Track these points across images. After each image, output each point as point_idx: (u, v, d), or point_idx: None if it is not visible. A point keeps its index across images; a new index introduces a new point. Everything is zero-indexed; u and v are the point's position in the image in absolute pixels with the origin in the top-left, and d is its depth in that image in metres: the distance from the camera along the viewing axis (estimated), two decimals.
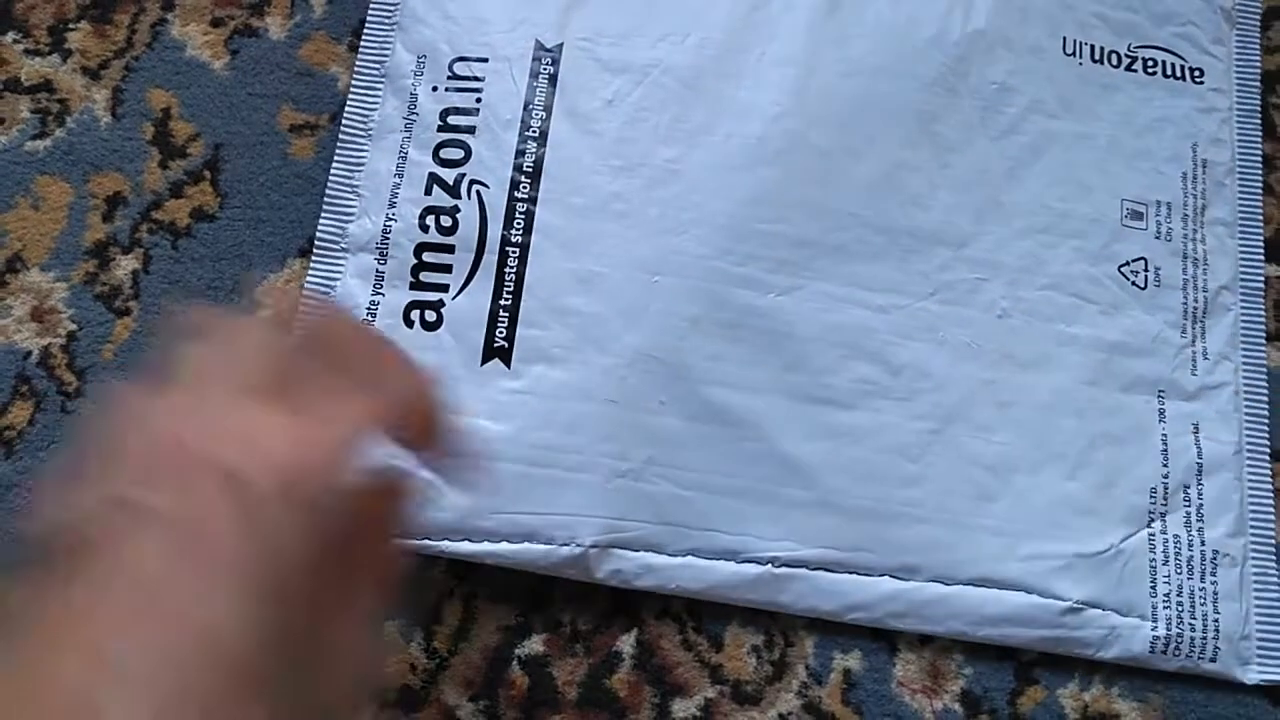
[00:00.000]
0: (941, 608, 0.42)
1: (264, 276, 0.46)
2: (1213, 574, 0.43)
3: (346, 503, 0.26)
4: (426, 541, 0.42)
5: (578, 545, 0.42)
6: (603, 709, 0.42)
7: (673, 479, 0.43)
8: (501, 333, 0.44)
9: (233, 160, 0.47)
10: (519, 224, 0.45)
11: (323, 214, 0.46)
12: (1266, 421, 0.46)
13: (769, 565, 0.42)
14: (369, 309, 0.45)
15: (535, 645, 0.43)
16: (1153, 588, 0.43)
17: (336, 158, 0.47)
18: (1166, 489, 0.44)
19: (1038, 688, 0.43)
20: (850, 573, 0.43)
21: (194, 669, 0.23)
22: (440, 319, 0.44)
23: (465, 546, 0.42)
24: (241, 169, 0.47)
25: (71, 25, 0.49)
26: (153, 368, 0.28)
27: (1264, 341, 0.47)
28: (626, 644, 0.43)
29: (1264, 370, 0.46)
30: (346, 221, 0.46)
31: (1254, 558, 0.44)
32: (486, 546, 0.42)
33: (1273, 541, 0.44)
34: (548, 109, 0.46)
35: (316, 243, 0.46)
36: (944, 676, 0.43)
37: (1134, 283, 0.46)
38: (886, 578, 0.43)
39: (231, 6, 0.49)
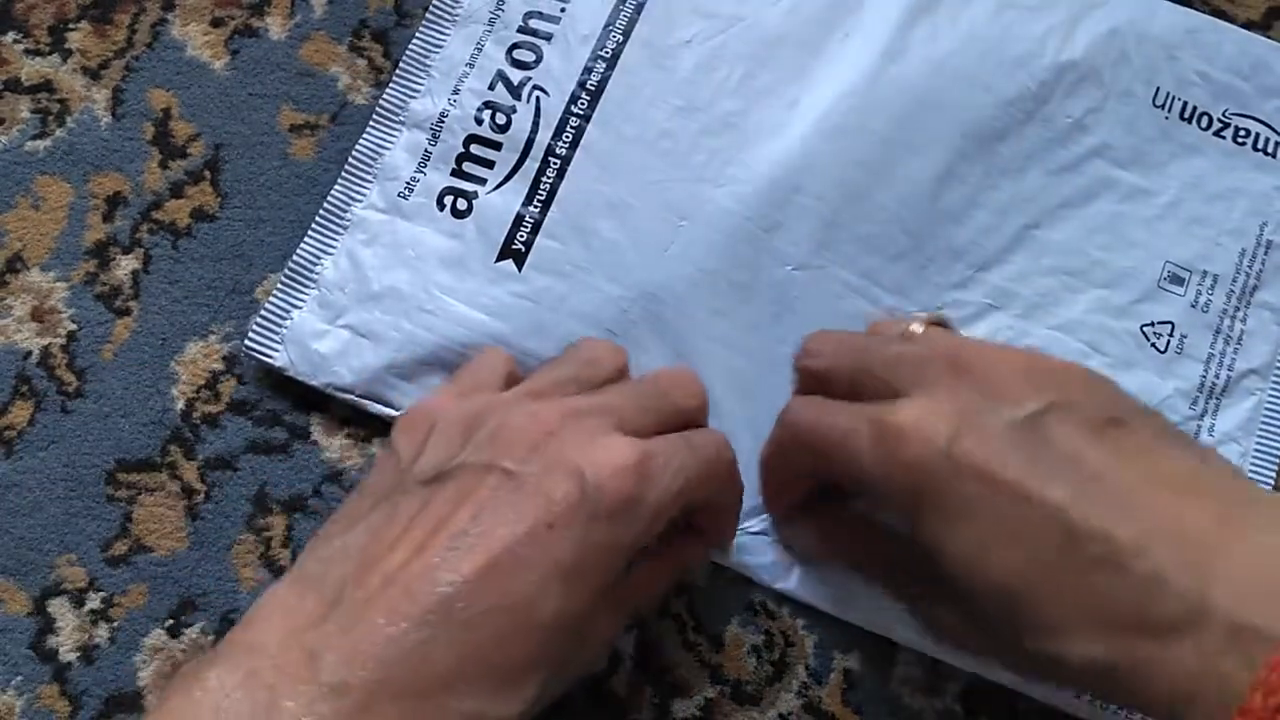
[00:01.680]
0: (844, 605, 0.43)
1: (265, 277, 0.46)
2: None
3: (650, 524, 0.33)
4: (397, 414, 0.44)
5: None
6: (603, 709, 0.42)
7: None
8: (522, 237, 0.45)
9: (233, 160, 0.48)
10: (568, 137, 0.46)
11: (390, 84, 0.47)
12: None
13: None
14: (408, 184, 0.46)
15: None
16: None
17: (418, 35, 0.48)
18: None
19: None
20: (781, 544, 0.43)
21: (505, 622, 0.30)
22: (470, 209, 0.45)
23: None
24: (242, 169, 0.47)
25: (72, 25, 0.49)
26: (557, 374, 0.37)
27: None
28: (626, 644, 0.43)
29: (1275, 461, 0.45)
30: (411, 97, 0.47)
31: None
32: None
33: None
34: (626, 34, 0.47)
35: (378, 109, 0.47)
36: (944, 676, 0.43)
37: (1154, 345, 0.46)
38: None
39: (232, 6, 0.49)
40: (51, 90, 0.48)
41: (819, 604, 0.43)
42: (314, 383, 0.44)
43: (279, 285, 0.45)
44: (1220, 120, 0.48)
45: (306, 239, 0.46)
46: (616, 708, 0.42)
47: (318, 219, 0.46)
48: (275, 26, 0.49)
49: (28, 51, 0.48)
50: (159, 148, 0.48)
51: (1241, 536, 0.29)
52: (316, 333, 0.44)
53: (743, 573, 0.43)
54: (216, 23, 0.49)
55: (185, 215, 0.47)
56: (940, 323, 0.38)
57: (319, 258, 0.45)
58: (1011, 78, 0.47)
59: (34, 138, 0.47)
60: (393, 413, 0.44)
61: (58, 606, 0.43)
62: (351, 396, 0.44)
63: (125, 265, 0.46)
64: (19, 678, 0.42)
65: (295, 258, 0.45)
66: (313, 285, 0.45)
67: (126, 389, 0.45)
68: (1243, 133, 0.48)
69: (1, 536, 0.43)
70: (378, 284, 0.45)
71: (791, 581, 0.43)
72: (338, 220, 0.46)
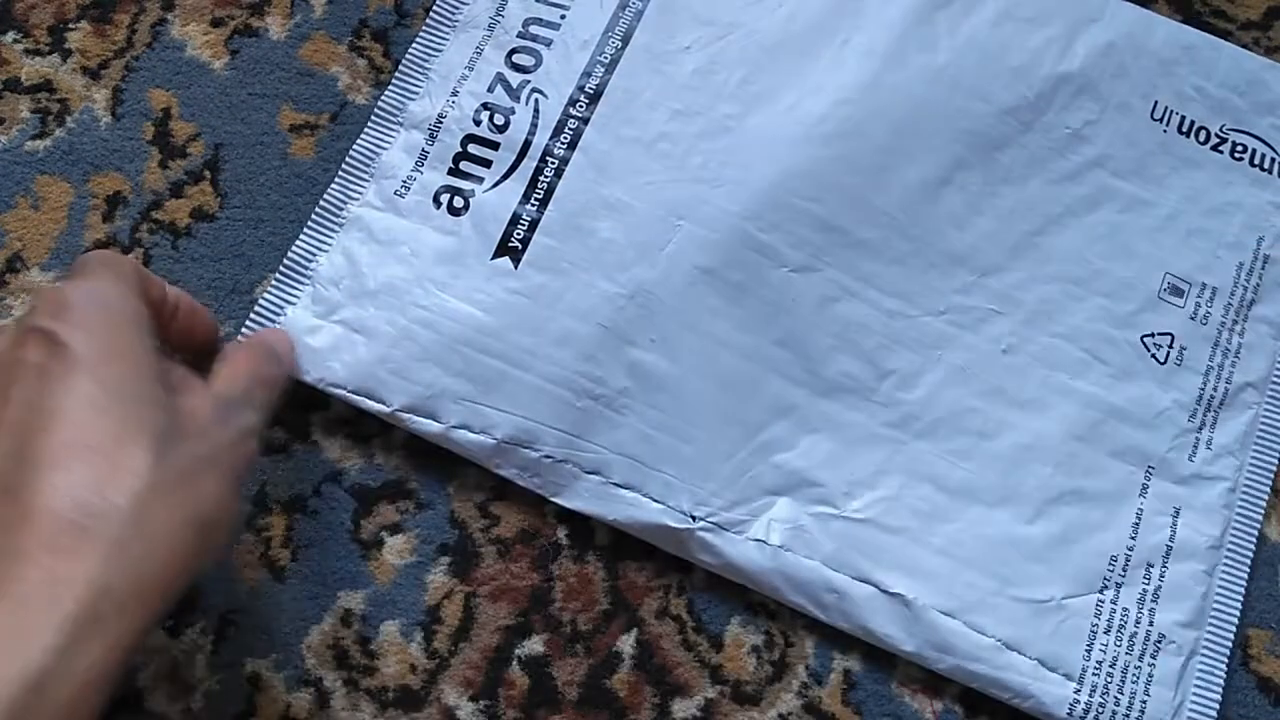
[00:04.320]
0: (862, 608, 0.42)
1: (264, 277, 0.46)
2: (1153, 656, 0.42)
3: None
4: (387, 410, 0.43)
5: (534, 451, 0.43)
6: (603, 709, 0.42)
7: (641, 415, 0.43)
8: (519, 234, 0.45)
9: (233, 160, 0.48)
10: (566, 139, 0.46)
11: (390, 86, 0.48)
12: (1258, 525, 0.45)
13: (704, 520, 0.43)
14: (404, 182, 0.46)
15: (535, 645, 0.43)
16: (1087, 651, 0.42)
17: (417, 39, 0.48)
18: (1128, 561, 0.43)
19: None
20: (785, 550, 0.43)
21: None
22: (467, 206, 0.45)
23: (429, 426, 0.43)
24: (242, 169, 0.47)
25: (71, 25, 0.49)
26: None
27: (1279, 449, 0.46)
28: (626, 644, 0.43)
29: (1270, 475, 0.45)
30: (409, 99, 0.48)
31: (1205, 655, 0.43)
32: (448, 430, 0.43)
33: (1229, 643, 0.43)
34: (625, 39, 0.47)
35: (376, 111, 0.47)
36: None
37: (1154, 355, 0.46)
38: (818, 563, 0.43)
39: (231, 6, 0.49)
40: (51, 90, 0.48)
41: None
42: (306, 378, 0.44)
43: (274, 281, 0.45)
44: (1218, 135, 0.49)
45: (302, 235, 0.46)
46: (616, 708, 0.42)
47: (314, 216, 0.46)
48: (275, 26, 0.49)
49: (27, 51, 0.48)
50: (159, 147, 0.48)
51: None
52: (310, 328, 0.44)
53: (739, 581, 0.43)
54: (216, 23, 0.49)
55: (185, 215, 0.47)
56: None
57: (314, 254, 0.45)
58: (1009, 88, 0.47)
59: (34, 137, 0.47)
60: (384, 409, 0.44)
61: None
62: (343, 392, 0.44)
63: None
64: None
65: (291, 254, 0.45)
66: (307, 281, 0.45)
67: None
68: (1240, 148, 0.49)
69: None
70: (373, 280, 0.44)
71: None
72: (334, 217, 0.46)
